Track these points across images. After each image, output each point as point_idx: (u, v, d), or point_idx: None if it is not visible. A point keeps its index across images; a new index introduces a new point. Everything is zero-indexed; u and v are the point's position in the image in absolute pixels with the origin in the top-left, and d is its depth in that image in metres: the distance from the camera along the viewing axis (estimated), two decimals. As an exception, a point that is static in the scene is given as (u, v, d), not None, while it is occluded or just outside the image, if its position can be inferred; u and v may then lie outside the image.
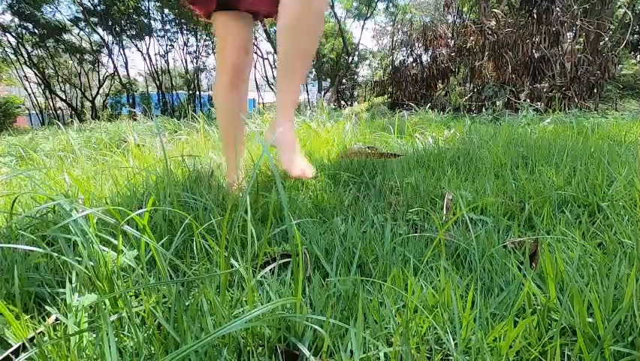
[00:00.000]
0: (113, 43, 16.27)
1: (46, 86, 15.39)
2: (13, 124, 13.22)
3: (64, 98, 16.18)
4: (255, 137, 2.15)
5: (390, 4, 16.37)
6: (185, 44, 17.67)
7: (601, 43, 6.06)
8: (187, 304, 0.53)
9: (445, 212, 0.91)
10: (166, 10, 16.49)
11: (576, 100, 5.28)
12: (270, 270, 0.66)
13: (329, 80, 17.37)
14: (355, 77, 18.62)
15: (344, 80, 16.81)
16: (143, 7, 16.00)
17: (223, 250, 0.53)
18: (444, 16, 8.12)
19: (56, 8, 15.03)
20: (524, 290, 0.49)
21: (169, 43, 17.55)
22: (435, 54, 7.27)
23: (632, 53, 9.66)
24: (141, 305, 0.55)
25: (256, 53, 18.28)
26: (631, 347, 0.45)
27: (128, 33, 16.37)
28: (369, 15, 15.97)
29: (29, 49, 14.68)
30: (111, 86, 17.59)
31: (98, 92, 16.97)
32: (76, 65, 16.40)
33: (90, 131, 4.23)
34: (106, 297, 0.53)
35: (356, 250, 0.68)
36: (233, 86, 1.19)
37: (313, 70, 17.33)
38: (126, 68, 17.17)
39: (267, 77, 18.59)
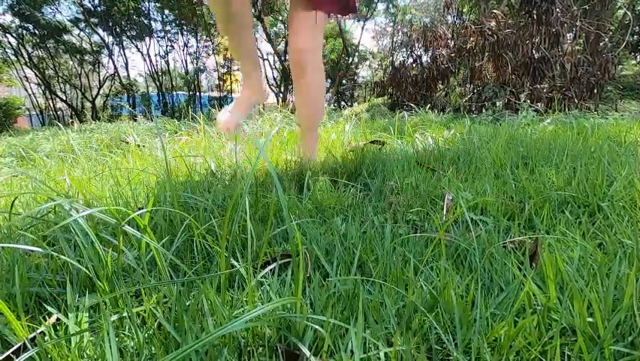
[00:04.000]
0: (113, 44, 16.29)
1: (46, 87, 15.41)
2: (13, 125, 13.23)
3: (64, 98, 16.19)
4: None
5: (390, 5, 16.39)
6: (186, 45, 17.70)
7: (601, 44, 6.06)
8: (187, 304, 0.53)
9: (445, 212, 0.91)
10: (166, 11, 16.52)
11: (576, 101, 5.28)
12: (271, 270, 0.66)
13: (329, 80, 17.38)
14: (355, 77, 18.62)
15: (344, 81, 16.81)
16: (143, 8, 16.03)
17: (224, 250, 0.53)
18: (444, 16, 8.13)
19: (57, 9, 15.05)
20: (524, 290, 0.49)
21: (169, 44, 17.58)
22: (435, 55, 7.28)
23: (632, 53, 9.67)
24: (142, 305, 0.55)
25: (256, 53, 18.24)
26: (631, 347, 0.45)
27: (129, 34, 16.40)
28: (369, 16, 15.98)
29: (30, 49, 14.69)
30: (111, 86, 17.61)
31: (98, 93, 16.98)
32: (76, 65, 16.41)
33: (90, 132, 4.23)
34: (106, 297, 0.53)
35: (356, 250, 0.68)
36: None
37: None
38: (126, 68, 17.19)
39: (267, 77, 18.59)
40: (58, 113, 16.69)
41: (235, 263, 0.62)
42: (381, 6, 16.51)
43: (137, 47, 16.83)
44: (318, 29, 1.31)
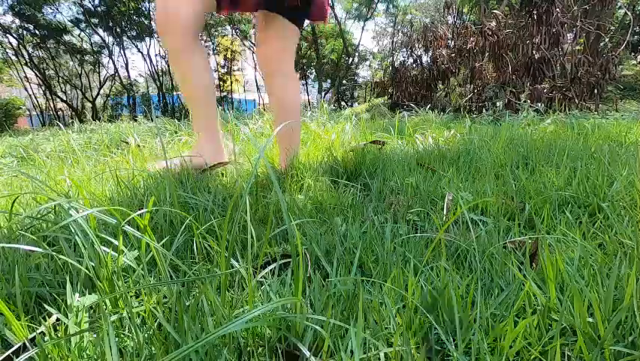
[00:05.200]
0: (113, 44, 16.32)
1: (46, 87, 15.43)
2: (13, 125, 13.25)
3: (64, 99, 16.22)
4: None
5: (391, 5, 16.40)
6: (186, 45, 17.67)
7: (601, 44, 6.06)
8: (187, 304, 0.53)
9: (445, 212, 0.91)
10: (166, 12, 16.52)
11: (576, 101, 5.28)
12: (271, 270, 0.66)
13: (329, 80, 17.39)
14: (355, 77, 18.63)
15: (344, 81, 16.82)
16: (143, 8, 16.05)
17: (224, 250, 0.53)
18: (444, 17, 8.13)
19: (57, 9, 15.05)
20: (524, 290, 0.49)
21: (169, 44, 17.56)
22: (435, 55, 7.28)
23: (633, 53, 9.67)
24: (142, 305, 0.55)
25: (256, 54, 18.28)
26: (631, 347, 0.44)
27: (129, 34, 16.42)
28: (369, 16, 16.00)
29: (30, 50, 14.72)
30: (112, 87, 17.63)
31: (98, 93, 17.01)
32: (76, 66, 16.44)
33: (91, 132, 4.23)
34: (106, 297, 0.53)
35: (356, 251, 0.68)
36: (189, 49, 1.09)
37: (313, 71, 17.37)
38: (127, 69, 17.22)
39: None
40: (59, 113, 16.72)
41: (235, 263, 0.62)
42: (381, 6, 16.53)
43: (137, 47, 16.86)
44: (289, 40, 1.27)
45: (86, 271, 0.55)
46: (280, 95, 1.31)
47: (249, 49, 18.89)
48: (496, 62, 6.10)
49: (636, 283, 0.46)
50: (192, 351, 0.39)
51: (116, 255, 0.59)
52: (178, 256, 0.74)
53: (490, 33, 6.05)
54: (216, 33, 18.06)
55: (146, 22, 16.37)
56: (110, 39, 16.13)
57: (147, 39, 16.72)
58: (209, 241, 0.69)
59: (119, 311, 0.54)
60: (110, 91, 17.60)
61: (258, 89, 19.22)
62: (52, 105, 16.16)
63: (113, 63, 16.42)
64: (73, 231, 0.55)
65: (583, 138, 1.84)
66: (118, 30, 15.86)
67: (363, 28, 17.22)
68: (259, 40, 1.29)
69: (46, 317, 0.57)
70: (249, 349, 0.49)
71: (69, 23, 15.12)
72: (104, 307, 0.55)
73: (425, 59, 7.80)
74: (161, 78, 17.36)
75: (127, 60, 17.23)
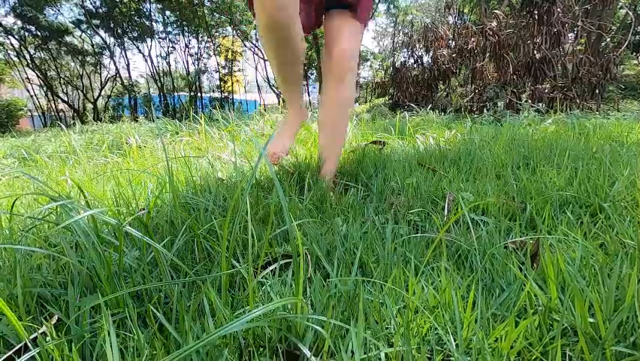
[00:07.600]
0: (114, 45, 16.38)
1: (48, 88, 15.48)
2: (15, 126, 13.30)
3: (66, 100, 16.27)
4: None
5: (391, 6, 16.40)
6: (187, 46, 17.76)
7: (602, 43, 6.05)
8: (188, 304, 0.54)
9: (446, 213, 0.91)
10: (167, 12, 16.59)
11: (578, 101, 5.27)
12: (271, 270, 0.66)
13: (330, 81, 17.34)
14: (356, 78, 18.62)
15: (345, 82, 16.75)
16: (144, 10, 16.10)
17: (224, 251, 0.53)
18: (445, 17, 8.13)
19: (58, 11, 15.09)
20: (525, 291, 0.49)
21: (170, 45, 17.66)
22: (436, 55, 7.28)
23: (634, 53, 9.64)
24: (143, 306, 0.55)
25: (257, 54, 18.31)
26: (632, 348, 0.44)
27: (130, 35, 16.47)
28: (370, 16, 15.99)
29: (32, 51, 14.77)
30: (113, 87, 17.68)
31: (100, 94, 17.06)
32: (78, 67, 16.49)
33: (92, 133, 4.24)
34: (108, 297, 0.53)
35: (357, 251, 0.68)
36: (277, 23, 0.98)
37: (314, 71, 17.37)
38: (128, 69, 17.26)
39: (268, 78, 18.62)
40: (60, 114, 16.78)
41: (236, 264, 0.62)
42: (382, 7, 16.53)
43: (138, 48, 16.91)
44: (359, 37, 1.24)
45: (88, 272, 0.55)
46: (344, 93, 1.22)
47: (250, 50, 18.90)
48: (497, 62, 6.09)
49: (637, 284, 0.46)
50: (193, 351, 0.40)
51: (117, 255, 0.60)
52: (179, 256, 0.74)
53: (491, 33, 6.05)
54: (217, 34, 18.08)
55: (147, 23, 16.41)
56: (111, 40, 16.20)
57: (148, 40, 16.76)
58: (210, 242, 0.69)
59: (120, 311, 0.54)
60: (111, 92, 17.65)
61: (259, 89, 19.23)
62: (53, 106, 16.21)
63: (115, 64, 16.47)
64: (74, 232, 0.55)
65: (584, 138, 1.84)
66: (119, 31, 15.91)
67: (363, 29, 17.18)
68: (331, 36, 1.21)
69: (48, 318, 0.57)
70: (249, 349, 0.49)
71: (70, 24, 15.18)
72: (105, 307, 0.55)
73: (426, 59, 7.80)
74: (162, 79, 17.40)
75: (128, 61, 17.31)
